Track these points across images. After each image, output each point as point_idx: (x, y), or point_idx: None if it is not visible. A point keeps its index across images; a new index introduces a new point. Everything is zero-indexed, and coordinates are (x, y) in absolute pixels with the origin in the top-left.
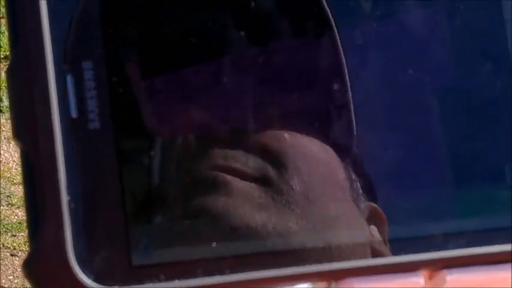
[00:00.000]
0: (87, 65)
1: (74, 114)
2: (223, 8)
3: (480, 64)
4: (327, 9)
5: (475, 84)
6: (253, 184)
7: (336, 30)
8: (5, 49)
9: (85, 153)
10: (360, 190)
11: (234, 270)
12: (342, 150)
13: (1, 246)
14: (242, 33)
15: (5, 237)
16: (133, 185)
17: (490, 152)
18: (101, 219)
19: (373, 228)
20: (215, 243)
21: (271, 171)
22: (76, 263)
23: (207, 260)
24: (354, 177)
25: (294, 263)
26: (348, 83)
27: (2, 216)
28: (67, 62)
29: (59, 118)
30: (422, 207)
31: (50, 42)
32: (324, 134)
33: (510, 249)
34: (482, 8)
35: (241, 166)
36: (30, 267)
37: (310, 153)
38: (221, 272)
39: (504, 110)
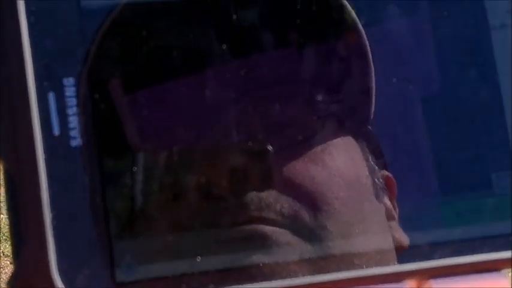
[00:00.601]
0: (68, 81)
1: (55, 131)
2: (207, 22)
3: (466, 72)
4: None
5: (461, 92)
6: (287, 231)
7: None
8: None
9: (68, 171)
10: (376, 167)
11: (218, 284)
12: (360, 128)
13: (1, 254)
14: (225, 46)
15: (5, 246)
16: (116, 201)
17: (476, 160)
18: (84, 236)
19: (386, 197)
20: (200, 257)
21: (306, 216)
22: (60, 281)
23: (192, 275)
24: (370, 156)
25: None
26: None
27: (2, 224)
28: (48, 79)
29: (40, 135)
30: (408, 217)
31: (31, 59)
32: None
33: (496, 258)
34: (467, 15)
35: (276, 216)
36: (14, 286)
37: (340, 176)
38: (205, 287)
39: (491, 119)
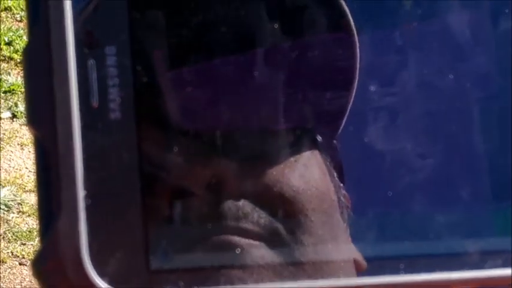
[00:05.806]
0: (110, 50)
1: (94, 102)
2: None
3: None
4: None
5: None
6: (263, 244)
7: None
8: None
9: (104, 145)
10: (341, 184)
11: (261, 278)
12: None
13: (10, 254)
14: (275, 25)
15: (15, 246)
16: (154, 182)
17: None
18: (119, 217)
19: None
20: (239, 249)
21: (281, 230)
22: (90, 263)
23: (231, 267)
24: (334, 173)
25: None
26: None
27: (13, 223)
28: (89, 46)
29: (78, 106)
30: (459, 223)
31: (72, 23)
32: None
33: None
34: None
35: (253, 227)
36: (39, 265)
37: (315, 187)
38: (244, 281)
39: None
